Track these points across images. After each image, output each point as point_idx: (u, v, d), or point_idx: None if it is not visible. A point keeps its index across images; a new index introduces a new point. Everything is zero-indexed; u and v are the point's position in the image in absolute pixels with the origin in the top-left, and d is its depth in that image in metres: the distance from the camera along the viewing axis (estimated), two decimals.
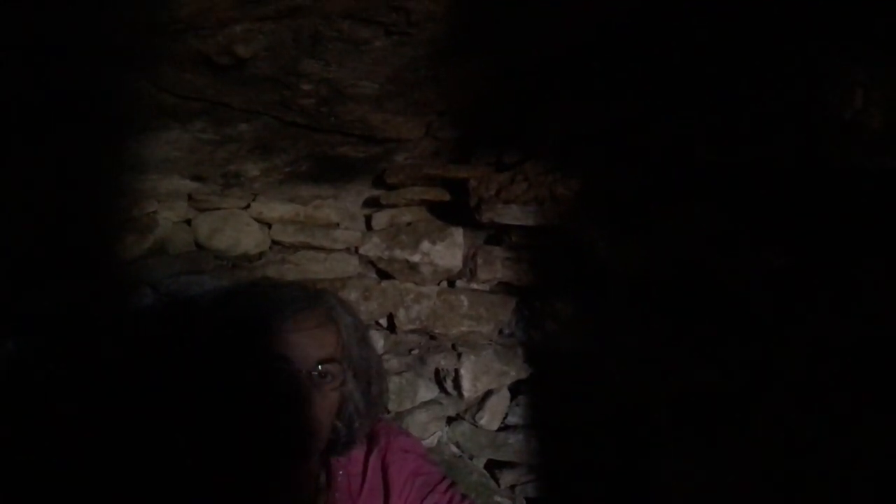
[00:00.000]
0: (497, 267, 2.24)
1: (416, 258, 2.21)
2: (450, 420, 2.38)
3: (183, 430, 1.40)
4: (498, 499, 2.28)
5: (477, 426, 2.31)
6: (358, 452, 1.54)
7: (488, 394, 2.31)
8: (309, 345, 1.32)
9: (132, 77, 1.46)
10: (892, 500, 1.31)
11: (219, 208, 2.05)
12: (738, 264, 1.57)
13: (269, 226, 2.16)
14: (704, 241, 1.63)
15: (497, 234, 2.27)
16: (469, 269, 2.28)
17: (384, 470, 1.54)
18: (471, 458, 2.36)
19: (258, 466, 1.33)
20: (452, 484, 1.59)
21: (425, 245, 2.22)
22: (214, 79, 1.52)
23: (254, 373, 1.28)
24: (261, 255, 2.14)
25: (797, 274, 1.43)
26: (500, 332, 2.43)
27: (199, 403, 1.37)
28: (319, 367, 1.32)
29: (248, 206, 2.11)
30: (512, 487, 2.35)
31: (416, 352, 2.35)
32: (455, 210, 2.21)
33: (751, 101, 1.36)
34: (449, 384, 2.28)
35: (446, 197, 2.18)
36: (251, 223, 2.11)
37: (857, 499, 1.36)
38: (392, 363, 2.27)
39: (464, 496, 1.55)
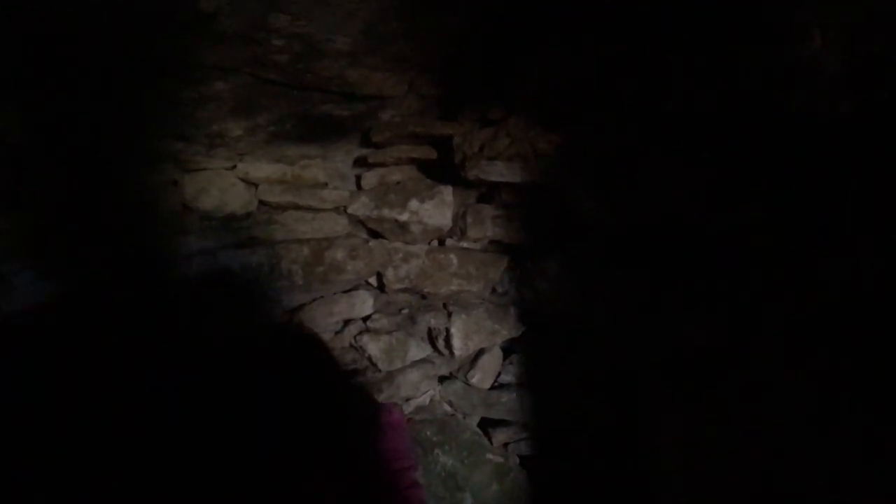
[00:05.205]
0: (487, 225, 2.22)
1: (404, 217, 2.20)
2: (442, 379, 2.39)
3: None
4: (490, 456, 2.30)
5: (469, 385, 2.32)
6: None
7: (480, 352, 2.32)
8: None
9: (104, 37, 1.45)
10: (877, 454, 1.29)
11: (204, 169, 2.05)
12: (720, 218, 1.53)
13: (256, 186, 2.15)
14: (686, 197, 1.60)
15: (488, 193, 2.24)
16: (459, 228, 2.27)
17: None
18: (464, 416, 2.38)
19: None
20: None
21: (413, 204, 2.21)
22: (184, 36, 1.51)
23: None
24: (248, 215, 2.14)
25: (779, 226, 1.39)
26: (493, 290, 2.43)
27: None
28: None
29: (234, 167, 2.10)
30: (505, 445, 2.37)
31: (406, 311, 2.35)
32: (444, 168, 2.19)
33: (710, 47, 1.31)
34: (441, 343, 2.28)
35: (433, 155, 2.15)
36: (237, 183, 2.10)
37: (842, 452, 1.34)
38: (382, 323, 2.28)
39: None
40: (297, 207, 2.19)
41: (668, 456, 1.86)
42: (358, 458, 1.50)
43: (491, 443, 2.33)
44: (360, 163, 2.31)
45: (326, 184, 2.27)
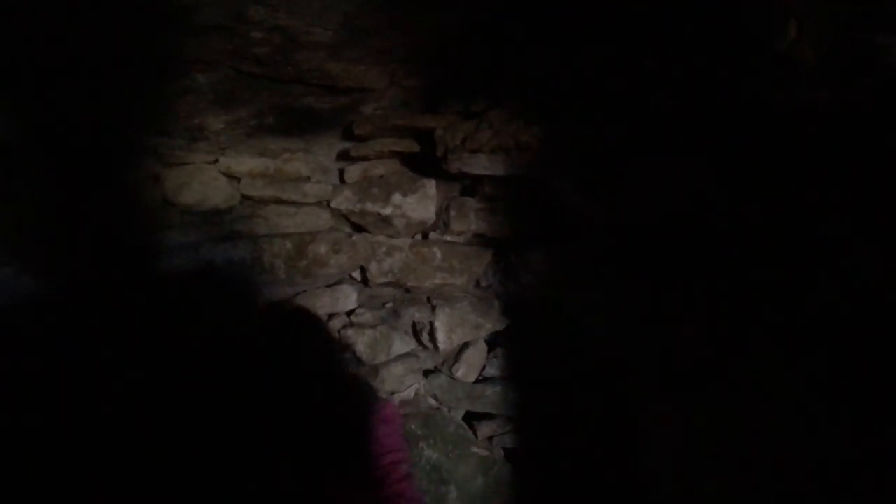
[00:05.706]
0: (471, 218, 2.22)
1: (387, 211, 2.19)
2: (427, 373, 2.39)
3: None
4: (475, 450, 2.30)
5: (454, 378, 2.32)
6: None
7: (464, 346, 2.32)
8: None
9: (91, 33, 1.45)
10: (871, 449, 1.29)
11: (186, 163, 2.03)
12: (719, 218, 1.53)
13: (239, 180, 2.14)
14: (686, 196, 1.60)
15: (471, 186, 2.24)
16: (443, 221, 2.26)
17: None
18: (448, 410, 2.38)
19: None
20: None
21: (397, 197, 2.20)
22: (164, 29, 1.49)
23: None
24: (230, 209, 2.13)
25: (774, 224, 1.40)
26: (477, 284, 2.42)
27: None
28: None
29: (215, 161, 2.09)
30: (490, 438, 2.37)
31: (389, 305, 2.35)
32: (427, 162, 2.17)
33: (709, 47, 1.32)
34: (425, 337, 2.28)
35: (416, 148, 2.14)
36: (219, 177, 2.09)
37: (842, 452, 1.35)
38: (366, 317, 2.27)
39: None
40: (279, 201, 2.18)
41: (663, 455, 1.86)
42: (353, 454, 1.50)
43: (476, 436, 2.34)
44: (343, 156, 2.30)
45: (309, 178, 2.26)
